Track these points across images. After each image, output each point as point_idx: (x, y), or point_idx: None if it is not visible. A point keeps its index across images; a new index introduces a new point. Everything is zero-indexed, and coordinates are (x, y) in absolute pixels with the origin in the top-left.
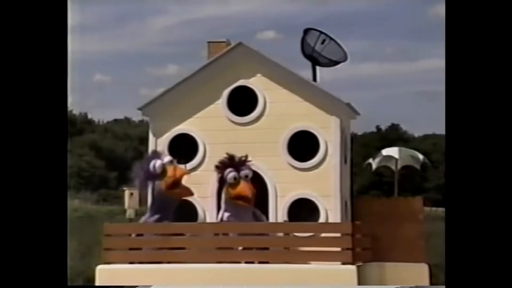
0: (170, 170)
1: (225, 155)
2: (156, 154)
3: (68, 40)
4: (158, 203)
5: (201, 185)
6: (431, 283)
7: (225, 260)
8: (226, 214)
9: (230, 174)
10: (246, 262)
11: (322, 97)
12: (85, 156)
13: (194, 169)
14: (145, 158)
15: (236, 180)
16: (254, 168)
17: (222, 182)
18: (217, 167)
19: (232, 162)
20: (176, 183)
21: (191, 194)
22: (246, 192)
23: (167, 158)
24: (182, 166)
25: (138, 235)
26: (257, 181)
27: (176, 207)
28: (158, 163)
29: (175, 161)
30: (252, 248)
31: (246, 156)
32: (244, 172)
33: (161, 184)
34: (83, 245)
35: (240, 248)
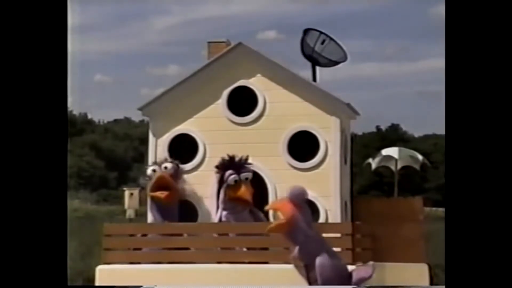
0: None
1: (225, 156)
2: (155, 163)
3: (68, 40)
4: (153, 207)
5: (201, 185)
6: (431, 283)
7: (225, 260)
8: (224, 213)
9: (231, 176)
10: (246, 263)
11: (322, 97)
12: (85, 156)
13: (194, 169)
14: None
15: (237, 183)
16: (254, 168)
17: (221, 182)
18: (217, 167)
19: (232, 163)
20: (159, 186)
21: (180, 195)
22: (247, 196)
23: (164, 164)
24: (171, 166)
25: (143, 235)
26: (257, 181)
27: (175, 209)
28: (148, 171)
29: (162, 166)
30: (252, 249)
31: (247, 157)
32: (244, 174)
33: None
34: (83, 245)
35: (241, 248)
